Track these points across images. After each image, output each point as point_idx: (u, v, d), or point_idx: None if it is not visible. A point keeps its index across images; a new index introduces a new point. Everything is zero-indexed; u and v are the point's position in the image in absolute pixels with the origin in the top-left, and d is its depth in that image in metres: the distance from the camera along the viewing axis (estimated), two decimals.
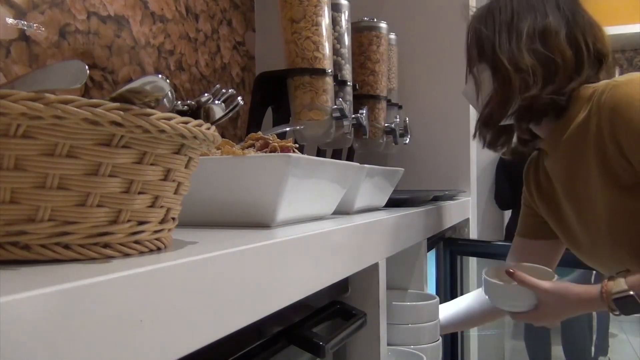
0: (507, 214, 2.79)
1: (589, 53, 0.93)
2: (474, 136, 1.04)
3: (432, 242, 1.37)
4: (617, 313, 0.86)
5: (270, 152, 0.69)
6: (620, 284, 0.85)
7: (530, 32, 0.93)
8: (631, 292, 0.84)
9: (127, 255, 0.38)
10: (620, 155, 0.85)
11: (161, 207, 0.41)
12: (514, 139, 1.03)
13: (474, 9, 1.05)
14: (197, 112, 0.53)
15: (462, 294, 1.72)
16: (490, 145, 1.04)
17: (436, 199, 1.35)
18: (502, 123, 0.98)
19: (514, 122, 0.97)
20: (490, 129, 1.01)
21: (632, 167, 0.84)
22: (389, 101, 1.55)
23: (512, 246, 1.14)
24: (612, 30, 3.67)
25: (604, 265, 0.98)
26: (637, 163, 0.83)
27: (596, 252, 0.98)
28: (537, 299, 0.95)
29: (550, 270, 1.02)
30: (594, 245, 0.97)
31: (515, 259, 1.10)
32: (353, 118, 1.20)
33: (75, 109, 0.33)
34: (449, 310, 1.22)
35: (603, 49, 0.95)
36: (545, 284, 0.94)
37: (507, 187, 2.57)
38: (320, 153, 1.27)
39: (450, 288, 1.60)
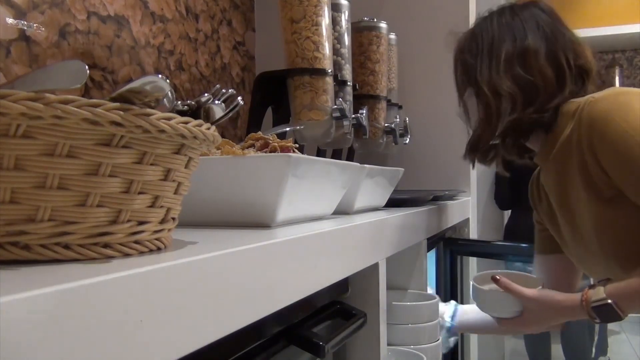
0: (507, 214, 2.79)
1: (571, 70, 0.95)
2: (464, 157, 1.06)
3: (432, 242, 1.37)
4: (597, 321, 0.88)
5: (270, 152, 0.69)
6: (599, 293, 0.86)
7: (509, 56, 0.95)
8: (609, 301, 0.85)
9: (127, 255, 0.38)
10: (599, 169, 0.86)
11: (161, 207, 0.41)
12: (501, 156, 1.05)
13: (460, 33, 1.06)
14: (197, 112, 0.53)
15: (462, 294, 1.72)
16: (480, 162, 1.07)
17: (436, 199, 1.35)
18: (490, 143, 1.00)
19: (499, 142, 0.99)
20: (478, 152, 1.03)
21: (610, 180, 0.86)
22: (389, 101, 1.55)
23: (535, 265, 1.16)
24: (612, 30, 3.68)
25: (600, 276, 0.98)
26: (613, 176, 0.85)
27: (592, 263, 0.99)
28: (522, 306, 0.97)
29: (537, 278, 1.04)
30: (588, 256, 0.98)
31: (541, 276, 1.11)
32: (353, 118, 1.20)
33: (75, 109, 0.33)
34: (471, 312, 1.22)
35: (585, 65, 0.96)
36: (529, 291, 0.96)
37: (506, 187, 2.57)
38: (320, 153, 1.27)
39: (450, 288, 1.60)
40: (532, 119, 0.93)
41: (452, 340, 1.21)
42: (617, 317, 0.86)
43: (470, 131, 1.04)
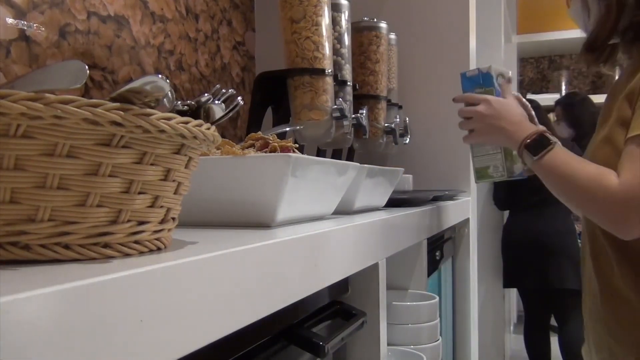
0: (507, 214, 2.79)
1: None
2: (578, 59, 1.06)
3: (433, 242, 1.37)
4: (525, 149, 0.92)
5: (270, 152, 0.69)
6: (552, 139, 0.92)
7: None
8: (552, 144, 0.91)
9: (127, 255, 0.38)
10: None
11: (161, 207, 0.41)
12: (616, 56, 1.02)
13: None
14: (197, 112, 0.53)
15: (461, 294, 1.72)
16: (596, 62, 1.02)
17: (436, 199, 1.35)
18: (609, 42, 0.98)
19: (619, 39, 0.96)
20: (597, 51, 0.99)
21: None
22: (389, 101, 1.55)
23: None
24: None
25: None
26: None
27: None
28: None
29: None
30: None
31: None
32: (353, 118, 1.20)
33: (75, 109, 0.33)
34: None
35: None
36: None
37: (505, 187, 2.58)
38: (320, 153, 1.27)
39: (450, 288, 1.60)
40: None
41: None
42: (537, 151, 0.91)
43: (587, 29, 1.00)
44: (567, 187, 0.90)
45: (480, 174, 1.08)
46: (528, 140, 0.93)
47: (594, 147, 0.96)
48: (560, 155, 0.91)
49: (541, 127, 0.97)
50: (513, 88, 1.13)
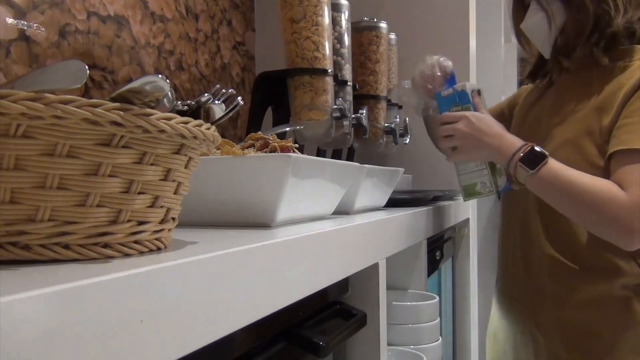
0: None
1: None
2: (549, 69, 1.08)
3: (433, 242, 1.37)
4: (517, 161, 0.92)
5: (270, 152, 0.69)
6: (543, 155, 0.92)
7: None
8: (547, 157, 0.91)
9: (127, 255, 0.38)
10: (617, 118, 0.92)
11: (161, 207, 0.41)
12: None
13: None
14: (197, 112, 0.53)
15: (461, 294, 1.72)
16: (564, 68, 1.06)
17: (436, 199, 1.35)
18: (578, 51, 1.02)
19: (592, 48, 0.99)
20: (567, 58, 1.03)
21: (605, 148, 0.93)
22: (389, 101, 1.55)
23: None
24: None
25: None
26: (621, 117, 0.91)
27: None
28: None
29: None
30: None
31: None
32: (353, 118, 1.20)
33: (75, 109, 0.33)
34: None
35: None
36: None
37: None
38: (320, 153, 1.27)
39: (450, 288, 1.60)
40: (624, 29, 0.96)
41: None
42: (533, 165, 0.90)
43: (550, 40, 1.03)
44: (569, 198, 0.89)
45: (468, 192, 1.07)
46: (521, 154, 0.92)
47: (552, 147, 0.98)
48: (555, 166, 0.91)
49: (521, 140, 0.96)
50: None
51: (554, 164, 0.91)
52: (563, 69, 1.05)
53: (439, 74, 1.08)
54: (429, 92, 1.09)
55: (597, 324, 0.96)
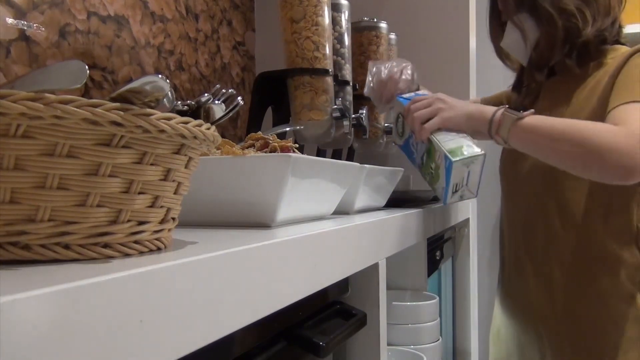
0: None
1: None
2: (525, 82, 1.10)
3: (433, 242, 1.37)
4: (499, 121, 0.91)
5: (270, 152, 0.69)
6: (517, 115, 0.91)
7: None
8: (525, 116, 0.90)
9: (127, 255, 0.38)
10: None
11: (161, 207, 0.41)
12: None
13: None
14: (197, 112, 0.53)
15: (461, 294, 1.72)
16: (541, 77, 1.08)
17: (436, 199, 1.35)
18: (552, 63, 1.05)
19: (564, 59, 1.02)
20: (541, 71, 1.06)
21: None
22: None
23: None
24: None
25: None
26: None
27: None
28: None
29: None
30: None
31: None
32: (353, 118, 1.20)
33: (75, 109, 0.33)
34: None
35: None
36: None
37: None
38: (320, 153, 1.27)
39: (450, 288, 1.60)
40: (595, 38, 0.99)
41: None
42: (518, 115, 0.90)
43: (527, 55, 1.06)
44: (563, 138, 0.86)
45: (455, 153, 0.97)
46: (503, 109, 0.93)
47: None
48: (541, 115, 0.91)
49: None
50: None
51: (538, 115, 0.91)
52: (537, 82, 1.08)
53: (397, 77, 1.10)
54: (389, 98, 1.11)
55: (602, 320, 0.96)
